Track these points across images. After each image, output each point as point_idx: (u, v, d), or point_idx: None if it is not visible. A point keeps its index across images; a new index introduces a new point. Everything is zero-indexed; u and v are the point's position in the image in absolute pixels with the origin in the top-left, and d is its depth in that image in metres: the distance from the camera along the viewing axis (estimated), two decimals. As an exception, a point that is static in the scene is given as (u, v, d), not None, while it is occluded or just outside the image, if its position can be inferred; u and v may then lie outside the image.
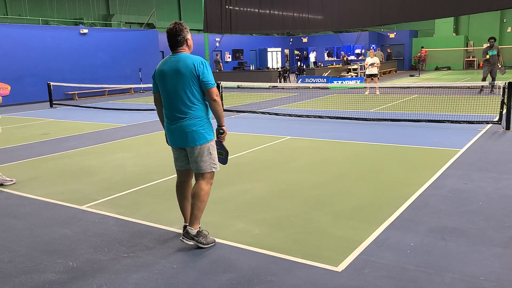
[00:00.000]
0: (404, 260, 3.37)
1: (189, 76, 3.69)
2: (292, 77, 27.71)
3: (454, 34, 33.74)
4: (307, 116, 11.00)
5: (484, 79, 15.07)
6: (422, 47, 33.46)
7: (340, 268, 3.28)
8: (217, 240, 3.86)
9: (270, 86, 20.95)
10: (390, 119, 9.81)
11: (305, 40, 36.63)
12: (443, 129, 8.79)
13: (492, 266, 3.24)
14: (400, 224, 4.08)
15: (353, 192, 5.08)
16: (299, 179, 5.72)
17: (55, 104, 16.51)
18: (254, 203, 4.83)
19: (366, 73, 17.33)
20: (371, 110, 11.87)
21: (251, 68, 30.09)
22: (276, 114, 11.57)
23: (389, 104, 13.14)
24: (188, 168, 3.95)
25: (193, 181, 3.97)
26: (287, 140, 8.33)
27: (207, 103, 3.81)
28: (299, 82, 21.94)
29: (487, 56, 15.01)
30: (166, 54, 27.52)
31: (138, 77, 21.98)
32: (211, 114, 3.88)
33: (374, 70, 16.92)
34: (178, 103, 3.73)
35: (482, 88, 15.27)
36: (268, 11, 17.36)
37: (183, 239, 3.72)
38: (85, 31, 19.97)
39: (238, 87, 21.59)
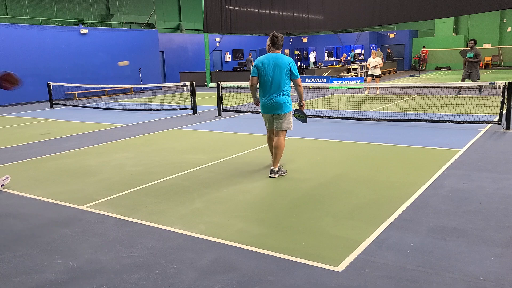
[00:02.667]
0: (404, 260, 3.37)
1: (283, 69, 5.71)
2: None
3: (454, 34, 33.74)
4: (307, 116, 10.97)
5: (462, 80, 14.66)
6: (424, 47, 33.46)
7: (340, 268, 3.28)
8: (217, 240, 3.87)
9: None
10: (390, 119, 9.81)
11: (305, 40, 36.62)
12: (443, 129, 8.79)
13: (492, 266, 3.24)
14: (400, 224, 4.08)
15: (353, 192, 5.08)
16: (299, 179, 5.72)
17: (55, 104, 16.51)
18: (254, 203, 4.83)
19: (369, 73, 17.03)
20: (371, 110, 11.87)
21: (251, 68, 30.05)
22: (276, 114, 11.56)
23: (389, 104, 13.14)
24: (274, 128, 6.02)
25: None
26: (287, 140, 8.31)
27: (289, 87, 5.90)
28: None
29: (466, 58, 14.62)
30: (166, 54, 27.52)
31: (138, 77, 21.99)
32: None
33: (377, 71, 16.57)
34: (273, 86, 5.76)
35: (480, 88, 14.95)
36: (268, 11, 17.37)
37: (271, 175, 5.78)
38: (85, 31, 19.97)
39: (238, 87, 21.59)
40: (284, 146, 5.87)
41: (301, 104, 6.12)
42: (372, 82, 16.56)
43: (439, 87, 16.10)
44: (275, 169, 5.82)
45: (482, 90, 15.01)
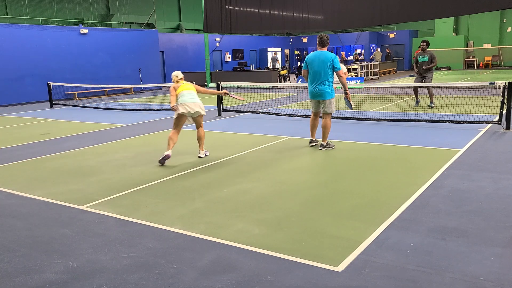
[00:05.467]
0: (404, 260, 3.37)
1: (327, 63, 7.05)
2: (292, 77, 27.72)
3: (454, 34, 33.74)
4: (307, 116, 10.97)
5: (415, 91, 12.61)
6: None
7: (340, 268, 3.28)
8: (217, 240, 3.87)
9: (270, 86, 20.96)
10: (390, 119, 9.81)
11: (305, 40, 36.62)
12: (443, 129, 8.79)
13: (492, 266, 3.24)
14: (400, 224, 4.08)
15: (353, 192, 5.08)
16: (299, 179, 5.72)
17: (55, 104, 16.51)
18: (254, 203, 4.83)
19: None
20: (371, 110, 11.87)
21: (251, 68, 30.09)
22: (276, 114, 11.57)
23: (389, 104, 13.14)
24: (318, 111, 7.49)
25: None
26: (287, 140, 8.33)
27: (332, 79, 7.17)
28: (299, 82, 21.93)
29: (418, 63, 12.31)
30: (166, 54, 27.64)
31: (138, 77, 21.98)
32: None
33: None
34: (319, 77, 7.11)
35: (417, 100, 12.63)
36: (268, 11, 17.35)
37: (321, 148, 7.33)
38: (85, 31, 19.97)
39: (238, 87, 21.59)
40: (330, 126, 7.35)
41: (346, 93, 7.38)
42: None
43: (439, 87, 16.09)
44: (324, 143, 7.33)
45: (433, 104, 12.16)
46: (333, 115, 11.14)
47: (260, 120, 11.10)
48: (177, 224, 4.26)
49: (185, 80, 7.35)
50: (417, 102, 12.66)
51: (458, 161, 6.30)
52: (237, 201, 4.91)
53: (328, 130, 7.32)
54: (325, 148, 7.29)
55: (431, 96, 12.11)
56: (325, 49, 7.21)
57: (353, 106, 7.46)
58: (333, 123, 9.98)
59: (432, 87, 12.47)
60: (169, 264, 3.46)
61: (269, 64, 29.87)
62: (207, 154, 7.27)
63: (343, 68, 14.21)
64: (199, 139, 7.19)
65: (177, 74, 7.31)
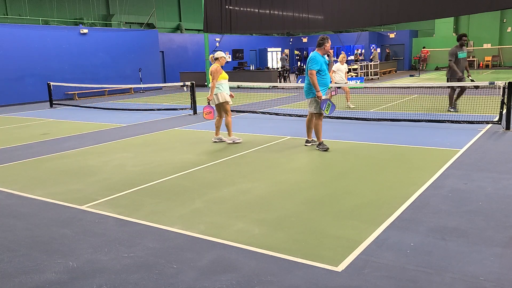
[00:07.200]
0: (404, 260, 3.37)
1: (308, 63, 7.12)
2: (292, 77, 27.72)
3: (454, 34, 33.73)
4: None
5: (452, 97, 11.13)
6: (424, 47, 33.43)
7: (340, 268, 3.28)
8: (217, 240, 3.87)
9: (270, 86, 20.95)
10: (390, 119, 9.81)
11: (305, 40, 36.61)
12: (443, 129, 8.79)
13: (492, 266, 3.24)
14: (400, 224, 4.08)
15: (353, 192, 5.08)
16: (299, 179, 5.72)
17: (55, 104, 16.51)
18: (254, 203, 4.83)
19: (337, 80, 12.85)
20: (371, 110, 11.87)
21: (251, 68, 30.09)
22: (276, 114, 11.57)
23: (389, 104, 13.14)
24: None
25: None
26: (287, 140, 8.33)
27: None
28: (299, 82, 21.93)
29: (453, 60, 10.94)
30: (166, 54, 27.67)
31: (138, 77, 21.98)
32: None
33: (338, 78, 12.77)
34: (305, 76, 7.30)
35: (455, 104, 11.13)
36: (268, 11, 17.35)
37: (317, 148, 7.33)
38: (85, 31, 19.97)
39: (238, 87, 21.59)
40: (318, 126, 7.32)
41: (317, 94, 7.11)
42: (347, 92, 13.07)
43: (439, 87, 16.09)
44: (318, 142, 7.39)
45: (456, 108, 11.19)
46: (332, 115, 11.12)
47: (260, 120, 11.10)
48: (177, 224, 4.26)
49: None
50: (454, 107, 11.01)
51: (458, 161, 6.30)
52: (237, 201, 4.91)
53: (316, 130, 7.35)
54: (317, 148, 7.35)
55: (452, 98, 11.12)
56: (318, 50, 7.25)
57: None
58: (332, 123, 10.00)
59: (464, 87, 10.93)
60: (169, 264, 3.46)
61: (279, 64, 29.65)
62: (237, 141, 8.19)
63: (346, 67, 14.04)
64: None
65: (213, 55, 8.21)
